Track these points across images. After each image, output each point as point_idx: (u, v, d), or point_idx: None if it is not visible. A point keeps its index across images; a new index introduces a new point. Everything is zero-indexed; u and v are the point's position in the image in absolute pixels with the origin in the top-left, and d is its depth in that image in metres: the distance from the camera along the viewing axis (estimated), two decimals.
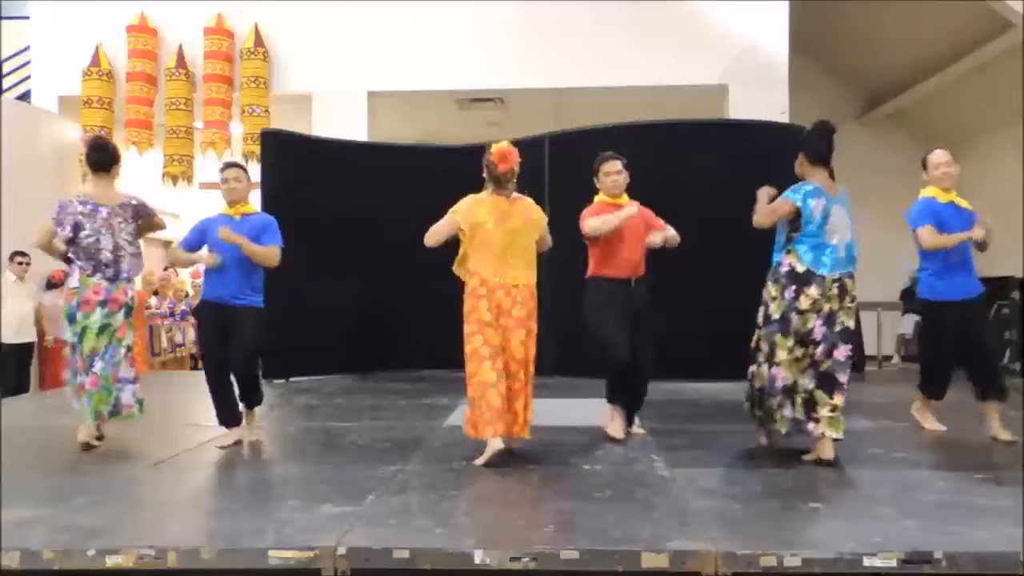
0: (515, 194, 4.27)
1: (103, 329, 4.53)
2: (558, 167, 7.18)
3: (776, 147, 7.43)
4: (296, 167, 7.61)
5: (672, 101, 9.34)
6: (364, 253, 7.88)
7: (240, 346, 4.52)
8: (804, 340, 4.08)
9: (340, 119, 9.15)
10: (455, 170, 8.24)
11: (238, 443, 4.60)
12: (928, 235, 4.56)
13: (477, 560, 2.74)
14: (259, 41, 9.44)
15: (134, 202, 4.69)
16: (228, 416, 4.68)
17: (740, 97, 9.05)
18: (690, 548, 2.75)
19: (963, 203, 4.70)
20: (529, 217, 4.26)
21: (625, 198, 4.72)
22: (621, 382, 4.63)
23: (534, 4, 9.30)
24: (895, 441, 4.60)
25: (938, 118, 11.35)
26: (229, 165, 4.82)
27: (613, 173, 4.68)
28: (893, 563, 2.67)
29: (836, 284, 4.08)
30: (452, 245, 4.15)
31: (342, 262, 7.71)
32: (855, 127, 12.70)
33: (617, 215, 4.53)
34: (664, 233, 4.78)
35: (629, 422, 4.76)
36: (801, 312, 4.06)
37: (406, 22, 9.42)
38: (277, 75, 9.60)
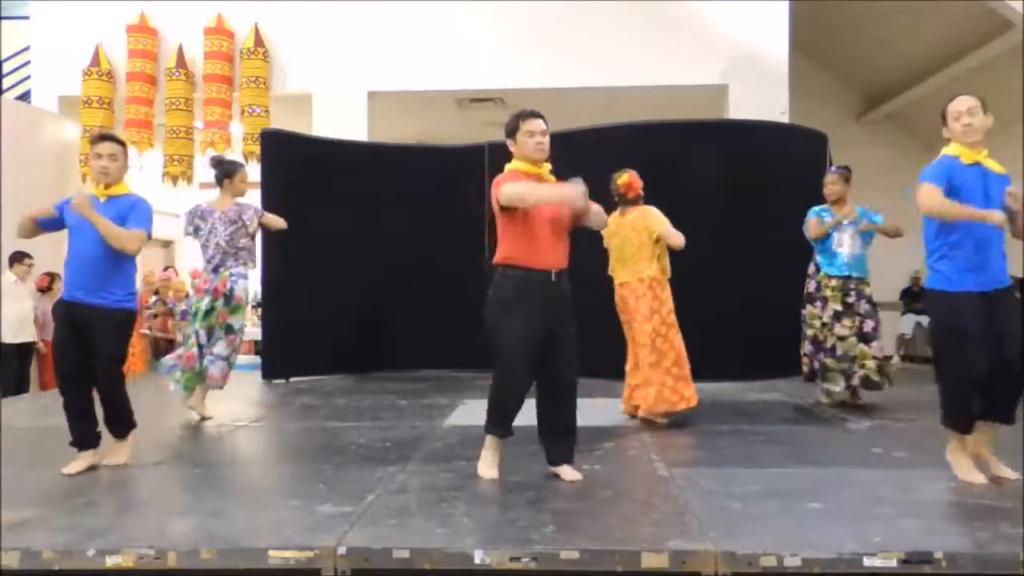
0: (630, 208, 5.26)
1: (208, 313, 5.30)
2: (558, 167, 7.16)
3: (776, 147, 7.47)
4: (296, 167, 7.61)
5: (672, 101, 9.34)
6: (364, 253, 7.88)
7: (98, 355, 3.87)
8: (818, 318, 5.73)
9: (340, 119, 9.15)
10: (455, 170, 8.33)
11: (92, 468, 3.96)
12: (930, 195, 3.45)
13: (477, 560, 2.74)
14: (259, 41, 9.44)
15: (243, 208, 5.44)
16: (81, 436, 3.97)
17: (740, 97, 9.05)
18: (690, 548, 2.75)
19: (995, 166, 3.56)
20: (635, 226, 5.19)
21: (547, 168, 3.87)
22: (516, 405, 3.73)
23: (533, 4, 9.30)
24: (895, 441, 4.60)
25: (938, 118, 11.35)
26: (103, 138, 4.01)
27: (538, 133, 3.77)
28: (893, 563, 2.67)
29: (851, 281, 5.66)
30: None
31: (342, 262, 7.72)
32: (855, 127, 12.70)
33: (556, 189, 3.66)
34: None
35: (554, 460, 3.84)
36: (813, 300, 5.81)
37: (406, 22, 9.43)
38: (277, 75, 9.60)
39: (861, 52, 11.87)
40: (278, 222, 5.60)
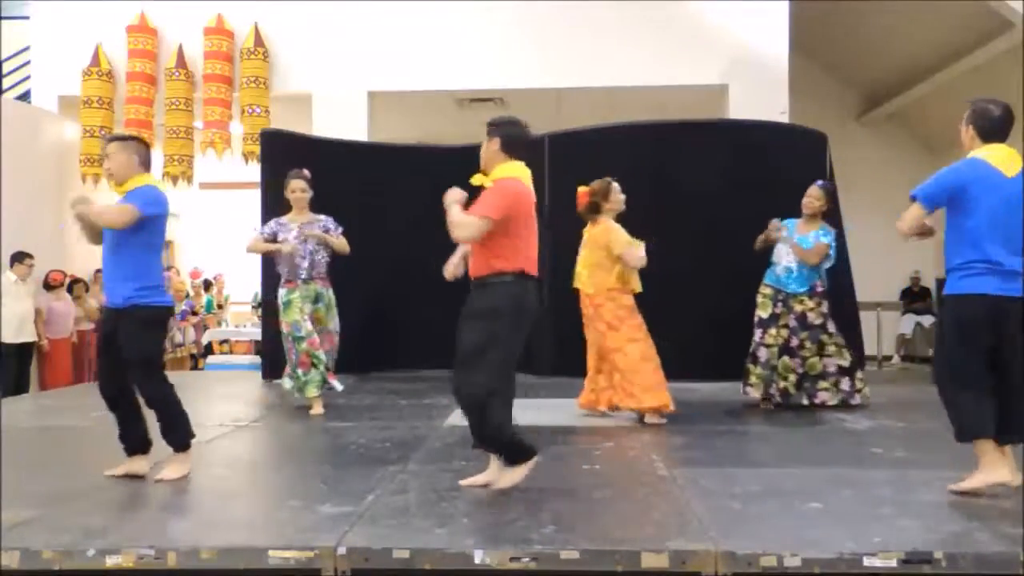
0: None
1: None
2: (558, 167, 7.17)
3: (776, 147, 7.46)
4: (296, 167, 7.60)
5: (672, 101, 9.33)
6: (364, 253, 7.86)
7: (124, 359, 3.74)
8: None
9: (340, 119, 9.14)
10: (455, 170, 8.27)
11: (132, 476, 3.84)
12: None
13: (477, 560, 2.74)
14: (259, 41, 9.43)
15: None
16: (128, 441, 3.89)
17: (740, 97, 9.04)
18: (690, 548, 2.75)
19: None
20: (596, 241, 5.29)
21: (488, 175, 4.02)
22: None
23: (534, 4, 9.29)
24: (895, 441, 4.60)
25: (938, 118, 11.32)
26: (111, 139, 3.99)
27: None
28: (893, 563, 2.68)
29: (780, 294, 5.83)
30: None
31: (342, 262, 7.70)
32: (855, 127, 12.69)
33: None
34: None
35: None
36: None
37: (406, 22, 9.42)
38: (277, 75, 9.59)
39: (861, 52, 11.87)
40: (253, 247, 5.96)
